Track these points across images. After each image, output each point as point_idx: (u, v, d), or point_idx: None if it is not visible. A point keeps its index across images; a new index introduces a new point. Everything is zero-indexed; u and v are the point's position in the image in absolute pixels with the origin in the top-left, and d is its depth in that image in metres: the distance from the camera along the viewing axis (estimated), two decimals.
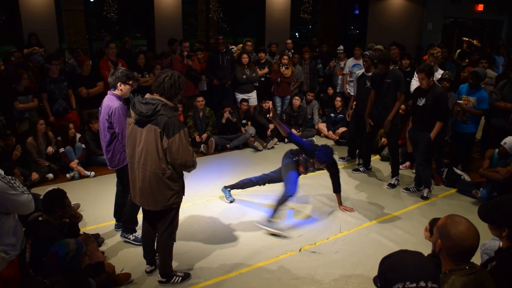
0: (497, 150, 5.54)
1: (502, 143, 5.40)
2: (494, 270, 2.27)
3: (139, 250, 4.25)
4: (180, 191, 3.58)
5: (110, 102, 4.13)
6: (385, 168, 6.82)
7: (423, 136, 5.53)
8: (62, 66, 7.32)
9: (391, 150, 6.31)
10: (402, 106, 7.03)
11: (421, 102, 5.47)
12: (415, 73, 5.93)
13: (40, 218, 3.67)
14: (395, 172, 6.28)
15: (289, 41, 9.95)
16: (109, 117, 4.10)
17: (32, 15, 9.12)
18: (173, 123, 3.28)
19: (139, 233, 4.47)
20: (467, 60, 9.40)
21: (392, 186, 6.21)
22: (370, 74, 6.45)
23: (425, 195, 5.69)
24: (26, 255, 3.45)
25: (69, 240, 3.30)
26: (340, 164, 7.10)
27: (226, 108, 7.85)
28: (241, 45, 9.26)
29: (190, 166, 3.43)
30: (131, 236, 4.48)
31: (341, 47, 9.45)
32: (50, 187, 4.90)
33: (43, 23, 9.21)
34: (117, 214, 4.71)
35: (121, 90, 4.19)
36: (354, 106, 7.05)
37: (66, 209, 3.77)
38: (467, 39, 10.99)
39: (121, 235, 4.54)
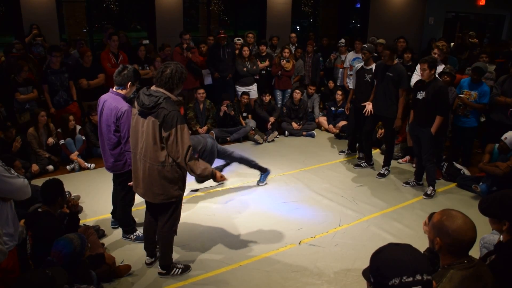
0: (497, 145, 5.55)
1: (502, 138, 5.41)
2: (493, 264, 2.28)
3: (141, 242, 4.30)
4: (181, 185, 3.56)
5: (118, 103, 3.87)
6: None
7: (424, 132, 5.46)
8: (63, 58, 7.30)
9: (387, 142, 6.35)
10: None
11: (421, 95, 5.43)
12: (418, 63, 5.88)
13: (39, 210, 3.68)
14: (386, 163, 6.35)
15: (293, 35, 9.94)
16: (117, 120, 3.87)
17: (32, 6, 9.10)
18: (172, 116, 3.26)
19: (139, 231, 4.48)
20: (466, 54, 9.39)
21: (382, 175, 6.29)
22: (369, 67, 6.44)
23: (429, 192, 5.66)
24: (27, 246, 3.46)
25: (72, 236, 3.30)
26: (341, 158, 7.12)
27: (225, 102, 7.84)
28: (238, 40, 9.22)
29: (186, 164, 3.35)
30: (132, 236, 4.47)
31: (343, 40, 9.43)
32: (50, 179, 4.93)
33: (43, 14, 9.20)
34: (115, 212, 4.66)
35: (129, 90, 4.00)
36: (353, 99, 7.05)
37: (65, 198, 3.79)
38: (461, 35, 11.01)
39: (122, 237, 4.52)
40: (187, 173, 3.53)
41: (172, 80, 3.35)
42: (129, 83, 3.96)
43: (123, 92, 3.98)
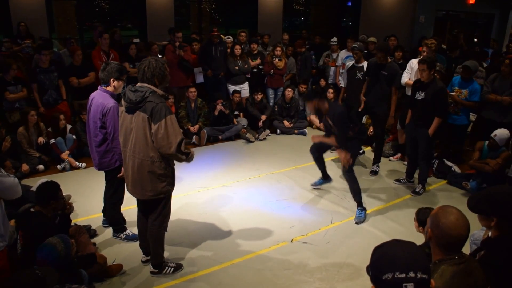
0: (487, 142, 5.59)
1: (492, 135, 5.46)
2: (483, 259, 2.30)
3: (131, 242, 4.29)
4: (170, 181, 3.56)
5: (104, 100, 3.89)
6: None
7: (421, 133, 5.45)
8: (52, 56, 7.25)
9: (377, 139, 6.40)
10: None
11: (420, 96, 5.37)
12: (417, 63, 5.88)
13: (32, 210, 3.65)
14: (377, 160, 6.41)
15: (286, 36, 9.93)
16: (102, 116, 3.88)
17: (21, 4, 9.02)
18: (160, 108, 3.28)
19: (129, 230, 4.48)
20: (457, 52, 9.47)
21: (374, 173, 6.35)
22: (360, 65, 6.49)
23: (417, 190, 5.69)
24: (17, 246, 3.44)
25: (54, 241, 3.26)
26: (332, 156, 7.13)
27: (219, 100, 7.83)
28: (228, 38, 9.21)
29: (177, 154, 3.35)
30: (121, 235, 4.45)
31: (335, 39, 9.44)
32: (41, 179, 4.89)
33: (32, 12, 9.12)
34: (106, 210, 4.65)
35: (114, 86, 3.98)
36: (344, 98, 7.08)
37: (60, 201, 3.75)
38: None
39: (112, 236, 4.50)
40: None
41: (144, 73, 3.39)
42: (112, 79, 3.96)
43: (109, 89, 3.99)
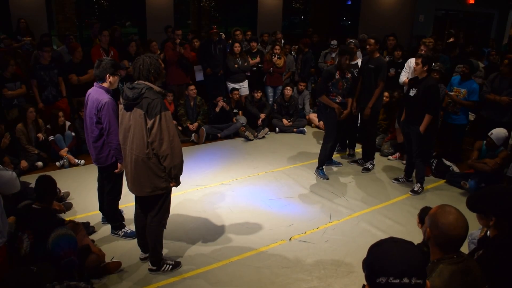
0: (485, 141, 5.60)
1: (489, 133, 5.47)
2: (481, 259, 2.31)
3: (130, 239, 4.29)
4: (167, 177, 3.56)
5: (99, 96, 3.92)
6: (377, 159, 6.80)
7: (414, 130, 5.48)
8: (52, 53, 7.23)
9: (368, 135, 6.39)
10: (386, 93, 7.04)
11: (413, 92, 5.43)
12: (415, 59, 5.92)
13: (34, 206, 3.65)
14: (370, 157, 6.43)
15: (279, 35, 9.93)
16: (98, 112, 3.91)
17: (21, 1, 8.99)
18: (155, 104, 3.31)
19: (128, 227, 4.48)
20: (456, 52, 9.48)
21: (367, 170, 6.37)
22: (354, 62, 6.50)
23: (415, 189, 5.69)
24: (24, 244, 3.41)
25: (62, 231, 3.29)
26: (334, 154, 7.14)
27: (219, 97, 7.83)
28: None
29: (167, 153, 3.36)
30: (120, 232, 4.46)
31: (335, 41, 9.40)
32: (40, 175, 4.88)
33: (32, 9, 9.11)
34: (102, 208, 4.64)
35: (110, 82, 4.01)
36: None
37: (57, 196, 3.78)
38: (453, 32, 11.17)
39: (111, 233, 4.51)
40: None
41: (140, 71, 3.43)
42: (107, 75, 3.99)
43: (104, 85, 4.02)
